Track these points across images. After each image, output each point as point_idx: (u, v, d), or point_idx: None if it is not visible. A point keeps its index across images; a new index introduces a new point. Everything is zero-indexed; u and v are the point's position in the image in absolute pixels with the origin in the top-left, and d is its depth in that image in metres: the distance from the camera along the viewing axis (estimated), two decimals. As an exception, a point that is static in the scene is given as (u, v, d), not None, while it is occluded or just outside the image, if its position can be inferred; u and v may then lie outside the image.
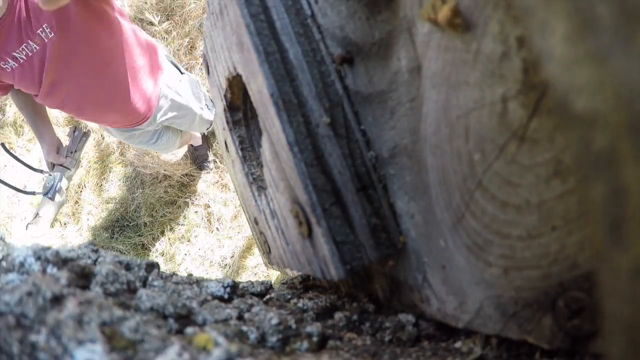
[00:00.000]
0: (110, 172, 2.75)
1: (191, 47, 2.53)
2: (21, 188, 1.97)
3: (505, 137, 0.23)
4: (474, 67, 0.23)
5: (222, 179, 2.53)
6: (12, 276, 0.35)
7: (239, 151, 0.50)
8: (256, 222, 0.51)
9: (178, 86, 1.72)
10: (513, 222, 0.26)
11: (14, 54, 1.34)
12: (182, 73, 1.76)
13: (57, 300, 0.29)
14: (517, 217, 0.25)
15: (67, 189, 1.81)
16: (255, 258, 2.27)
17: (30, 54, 1.36)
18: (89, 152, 2.40)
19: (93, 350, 0.24)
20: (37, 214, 1.78)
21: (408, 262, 0.34)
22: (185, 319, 0.32)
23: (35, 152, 2.92)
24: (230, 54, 0.43)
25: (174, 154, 2.49)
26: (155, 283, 0.40)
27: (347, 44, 0.34)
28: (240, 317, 0.34)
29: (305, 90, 0.33)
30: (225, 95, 0.49)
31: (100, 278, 0.36)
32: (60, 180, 1.71)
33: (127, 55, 1.49)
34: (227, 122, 0.51)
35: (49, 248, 0.38)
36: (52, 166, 1.70)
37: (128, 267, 0.42)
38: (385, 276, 0.38)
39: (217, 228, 2.45)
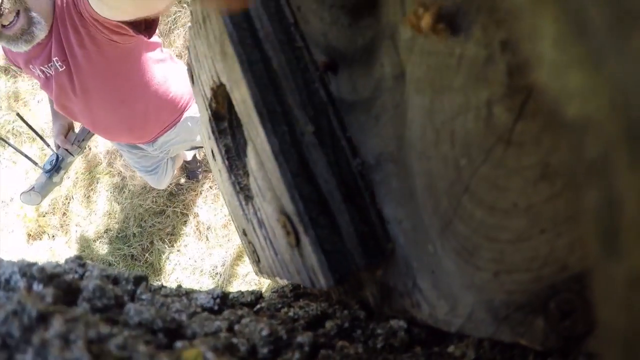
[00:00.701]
0: (98, 183, 2.72)
1: (176, 55, 2.52)
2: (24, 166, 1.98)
3: (491, 141, 0.23)
4: (458, 71, 0.23)
5: (211, 188, 2.52)
6: None
7: (225, 160, 0.49)
8: (244, 233, 0.50)
9: (195, 126, 1.77)
10: (501, 226, 0.25)
11: (42, 67, 1.41)
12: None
13: (43, 318, 0.28)
14: (506, 220, 0.25)
15: (65, 172, 1.81)
16: (246, 266, 2.26)
17: (52, 74, 1.42)
18: (76, 163, 2.38)
19: None
20: (33, 187, 1.76)
21: (397, 268, 0.33)
22: (174, 332, 0.31)
23: (20, 164, 2.88)
24: (213, 63, 0.42)
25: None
26: (144, 296, 0.39)
27: (331, 51, 0.34)
28: (230, 329, 0.34)
29: (289, 98, 0.32)
30: (210, 105, 0.48)
31: (87, 294, 0.35)
32: (61, 162, 1.73)
33: (147, 92, 1.54)
34: (213, 132, 0.50)
35: (35, 264, 0.37)
36: (58, 147, 1.74)
37: (116, 281, 0.42)
38: (375, 283, 0.38)
39: (206, 237, 2.43)
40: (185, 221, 2.50)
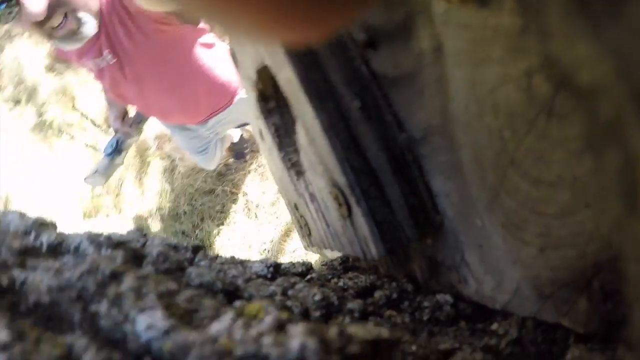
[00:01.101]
0: (148, 166, 2.86)
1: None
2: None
3: (534, 112, 0.24)
4: (495, 43, 0.24)
5: (258, 168, 2.59)
6: (67, 258, 0.37)
7: (275, 138, 0.51)
8: (296, 207, 0.53)
9: (245, 107, 1.82)
10: (547, 199, 0.26)
11: (94, 61, 1.51)
12: None
13: (115, 276, 0.31)
14: (551, 194, 0.25)
15: (126, 153, 1.92)
16: (294, 242, 2.32)
17: (104, 66, 1.51)
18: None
19: (154, 316, 0.27)
20: (96, 170, 1.87)
21: (446, 241, 0.35)
22: (232, 294, 0.34)
23: (75, 151, 3.05)
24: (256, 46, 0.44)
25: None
26: (202, 263, 0.42)
27: (369, 29, 0.35)
28: (284, 294, 0.36)
29: (333, 76, 0.34)
30: (256, 86, 0.51)
31: (150, 259, 0.38)
32: (121, 144, 1.84)
33: (198, 77, 1.60)
34: (261, 112, 0.53)
35: (101, 234, 0.41)
36: (116, 131, 1.85)
37: (176, 250, 0.45)
38: (424, 257, 0.39)
39: (255, 215, 2.51)
40: (234, 200, 2.59)
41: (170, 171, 2.77)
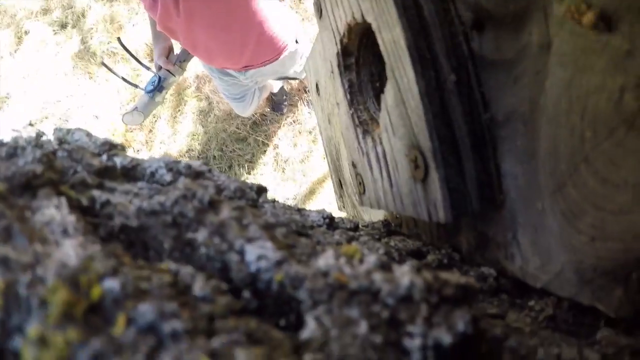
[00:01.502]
0: (185, 105, 2.94)
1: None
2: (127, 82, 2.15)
3: (616, 121, 0.28)
4: (601, 56, 0.28)
5: (293, 123, 2.64)
6: (141, 184, 0.37)
7: (347, 94, 0.55)
8: (354, 165, 0.57)
9: (289, 63, 1.82)
10: (609, 197, 0.30)
11: None
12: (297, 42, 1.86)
13: (213, 204, 0.32)
14: (614, 193, 0.30)
15: (166, 92, 1.96)
16: (317, 202, 2.40)
17: None
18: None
19: (264, 247, 0.27)
20: (136, 107, 1.93)
21: (502, 219, 0.40)
22: (306, 237, 0.38)
23: (113, 82, 3.10)
24: (358, 2, 0.47)
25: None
26: (266, 205, 0.45)
27: (478, 10, 0.38)
28: (349, 244, 0.41)
29: (437, 47, 0.39)
30: (341, 40, 0.54)
31: (228, 193, 0.40)
32: (163, 82, 1.88)
33: (250, 24, 1.64)
34: (338, 66, 0.56)
35: (179, 161, 0.41)
36: (159, 68, 1.90)
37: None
38: (474, 230, 0.44)
39: (283, 169, 2.59)
40: (264, 151, 2.67)
41: (205, 113, 2.85)
